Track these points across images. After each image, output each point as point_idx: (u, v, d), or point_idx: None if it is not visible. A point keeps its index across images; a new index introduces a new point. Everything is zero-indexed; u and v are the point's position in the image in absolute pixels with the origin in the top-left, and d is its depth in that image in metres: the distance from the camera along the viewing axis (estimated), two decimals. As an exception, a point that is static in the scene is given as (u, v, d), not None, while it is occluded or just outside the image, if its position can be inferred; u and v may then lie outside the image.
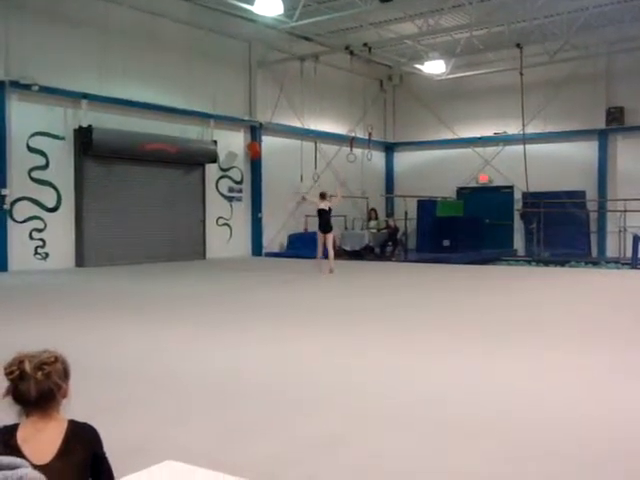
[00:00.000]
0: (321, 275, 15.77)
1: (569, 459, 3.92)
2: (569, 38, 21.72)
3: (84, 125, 17.50)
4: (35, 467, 1.63)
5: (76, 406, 2.55)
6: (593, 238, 24.03)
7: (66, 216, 17.56)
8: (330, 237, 16.62)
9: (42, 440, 2.32)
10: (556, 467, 3.80)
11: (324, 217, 16.66)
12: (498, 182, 26.37)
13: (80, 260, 17.75)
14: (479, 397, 5.27)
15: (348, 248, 23.41)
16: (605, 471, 3.77)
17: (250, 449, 4.10)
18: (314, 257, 16.98)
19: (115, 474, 2.43)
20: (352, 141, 24.28)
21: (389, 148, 29.09)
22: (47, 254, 17.12)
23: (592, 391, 5.49)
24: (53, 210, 17.28)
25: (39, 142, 16.94)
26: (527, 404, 5.07)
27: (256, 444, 4.20)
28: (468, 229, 24.26)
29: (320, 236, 16.72)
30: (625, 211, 21.94)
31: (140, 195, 19.16)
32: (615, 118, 23.61)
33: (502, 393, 5.40)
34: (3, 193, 16.14)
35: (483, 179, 26.74)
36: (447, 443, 4.21)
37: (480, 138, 26.40)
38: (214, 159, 20.91)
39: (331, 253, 16.54)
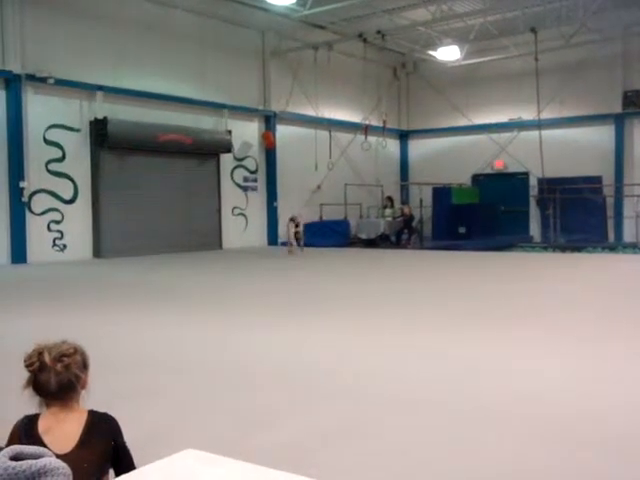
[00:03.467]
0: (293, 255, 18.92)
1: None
2: (585, 21, 21.49)
3: (99, 117, 17.58)
4: (56, 457, 1.67)
5: (97, 394, 2.59)
6: (610, 223, 23.83)
7: (83, 208, 17.67)
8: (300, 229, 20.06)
9: (63, 430, 2.36)
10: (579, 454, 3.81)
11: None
12: (513, 168, 26.20)
13: (98, 251, 17.87)
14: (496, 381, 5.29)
15: (364, 236, 23.37)
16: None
17: (273, 436, 4.14)
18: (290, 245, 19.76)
19: (135, 462, 2.47)
20: (366, 129, 24.20)
21: (403, 136, 28.98)
22: (65, 245, 17.25)
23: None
24: (70, 202, 17.40)
25: (55, 134, 17.03)
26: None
27: (279, 431, 4.23)
28: (484, 216, 24.16)
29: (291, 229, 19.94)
30: (642, 196, 21.76)
31: (156, 186, 19.21)
32: (632, 102, 23.36)
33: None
34: (21, 186, 16.25)
35: (498, 165, 26.59)
36: (469, 431, 4.23)
37: (495, 124, 26.23)
38: (229, 149, 20.92)
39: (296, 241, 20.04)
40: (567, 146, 24.35)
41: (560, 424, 4.30)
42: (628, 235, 23.10)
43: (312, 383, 5.43)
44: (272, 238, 22.72)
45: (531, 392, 5.03)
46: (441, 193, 24.64)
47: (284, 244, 22.53)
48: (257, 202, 22.42)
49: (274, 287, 11.99)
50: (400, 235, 23.72)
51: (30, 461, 1.52)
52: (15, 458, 1.54)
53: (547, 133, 23.08)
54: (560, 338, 7.05)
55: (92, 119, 17.67)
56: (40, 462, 1.52)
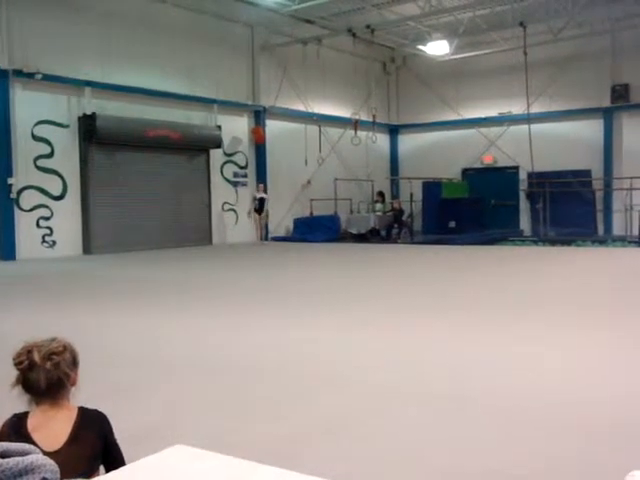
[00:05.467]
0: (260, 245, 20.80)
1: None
2: (573, 16, 21.54)
3: (88, 113, 17.51)
4: (46, 454, 1.66)
5: (87, 391, 2.58)
6: (599, 217, 23.95)
7: (72, 204, 17.60)
8: (263, 215, 21.51)
9: (52, 428, 2.36)
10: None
11: (261, 202, 21.31)
12: (503, 162, 26.27)
13: (87, 248, 17.81)
14: (495, 373, 5.31)
15: (354, 231, 23.41)
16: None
17: (264, 431, 4.14)
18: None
19: (125, 458, 2.47)
20: (356, 124, 24.21)
21: (393, 130, 28.99)
22: (54, 242, 17.19)
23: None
24: (59, 198, 17.33)
25: (44, 130, 16.96)
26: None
27: (270, 426, 4.24)
28: (474, 210, 24.22)
29: (256, 216, 21.48)
30: (631, 189, 21.84)
31: (145, 182, 19.17)
32: (620, 95, 23.45)
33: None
34: (9, 182, 16.18)
35: (488, 160, 26.64)
36: (465, 421, 4.25)
37: (484, 119, 26.27)
38: (218, 144, 20.88)
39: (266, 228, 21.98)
40: (556, 140, 24.43)
41: (559, 415, 4.33)
42: (617, 229, 23.21)
43: (309, 377, 5.44)
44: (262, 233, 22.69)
45: (531, 384, 5.06)
46: (431, 187, 24.67)
47: (275, 239, 22.57)
48: (247, 197, 22.37)
49: (264, 283, 11.98)
50: (390, 230, 23.76)
51: (17, 458, 1.52)
52: (1, 456, 1.54)
53: (536, 127, 23.11)
54: (556, 330, 7.08)
55: (81, 115, 17.60)
56: (27, 459, 1.52)
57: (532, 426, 4.16)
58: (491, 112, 26.15)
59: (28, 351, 2.35)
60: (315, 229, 22.78)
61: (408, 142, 28.87)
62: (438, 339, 6.81)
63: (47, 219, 17.05)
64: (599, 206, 23.96)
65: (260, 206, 21.41)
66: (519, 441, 3.91)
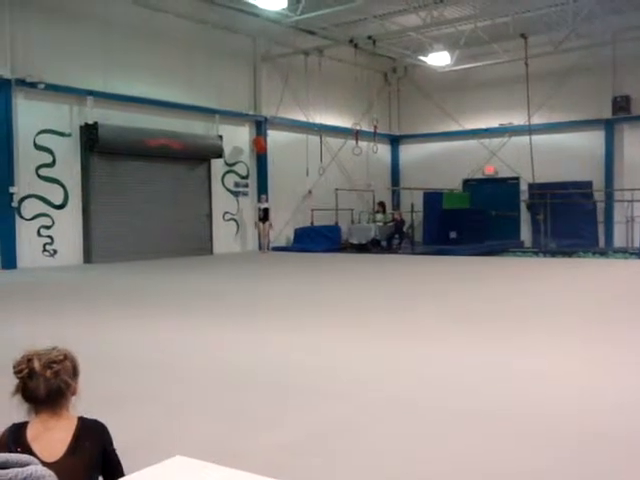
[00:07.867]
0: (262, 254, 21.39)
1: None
2: (574, 28, 21.60)
3: (90, 122, 17.54)
4: (45, 464, 1.65)
5: (87, 400, 2.57)
6: (600, 228, 23.94)
7: (73, 213, 17.61)
8: (267, 225, 22.07)
9: (52, 438, 2.34)
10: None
11: (265, 212, 21.97)
12: (504, 173, 26.29)
13: (88, 256, 17.80)
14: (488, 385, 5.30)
15: (355, 241, 23.40)
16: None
17: (259, 440, 4.13)
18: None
19: (125, 469, 2.45)
20: (357, 134, 24.24)
21: (394, 141, 29.04)
22: (55, 251, 17.19)
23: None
24: (61, 207, 17.34)
25: (46, 140, 16.98)
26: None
27: (265, 435, 4.22)
28: (475, 221, 24.20)
29: (261, 225, 22.04)
30: (632, 201, 21.86)
31: (147, 191, 19.18)
32: (621, 107, 23.47)
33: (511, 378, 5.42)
34: (11, 191, 16.19)
35: (489, 171, 26.67)
36: (464, 431, 4.23)
37: (486, 129, 26.32)
38: (220, 154, 20.91)
39: (269, 237, 22.30)
40: (557, 151, 24.46)
41: (560, 425, 4.31)
42: (618, 240, 23.21)
43: (309, 387, 5.42)
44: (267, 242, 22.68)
45: (532, 394, 5.05)
46: (432, 198, 24.67)
47: (276, 249, 22.55)
48: (248, 207, 22.41)
49: (264, 293, 11.97)
50: (391, 240, 23.76)
51: (16, 469, 1.51)
52: (0, 467, 1.53)
53: (537, 138, 23.16)
54: (558, 341, 7.07)
55: (82, 124, 17.63)
56: (26, 470, 1.51)
57: (530, 433, 4.14)
58: (492, 123, 26.19)
59: (28, 359, 2.34)
60: (316, 239, 22.78)
61: (409, 152, 28.91)
62: (439, 350, 6.79)
63: (48, 228, 17.05)
64: (600, 218, 23.96)
65: (265, 216, 21.76)
66: (517, 447, 3.90)
